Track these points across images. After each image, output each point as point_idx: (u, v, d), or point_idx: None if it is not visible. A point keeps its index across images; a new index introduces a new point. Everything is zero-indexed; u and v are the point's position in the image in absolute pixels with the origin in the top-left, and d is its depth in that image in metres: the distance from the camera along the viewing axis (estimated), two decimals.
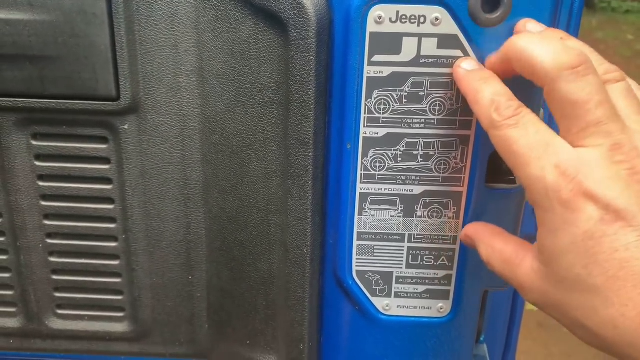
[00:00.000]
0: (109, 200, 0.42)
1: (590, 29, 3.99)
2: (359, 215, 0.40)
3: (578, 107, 0.29)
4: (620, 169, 0.28)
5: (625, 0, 4.49)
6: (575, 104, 0.29)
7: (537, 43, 0.30)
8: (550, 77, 0.29)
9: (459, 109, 0.36)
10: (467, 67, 0.34)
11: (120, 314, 0.46)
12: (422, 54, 0.35)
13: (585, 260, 0.28)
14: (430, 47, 0.35)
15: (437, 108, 0.37)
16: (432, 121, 0.37)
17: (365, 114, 0.37)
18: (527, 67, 0.30)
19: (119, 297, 0.45)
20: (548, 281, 0.30)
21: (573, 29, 0.40)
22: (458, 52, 0.35)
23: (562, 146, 0.29)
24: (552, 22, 0.34)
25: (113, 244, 0.43)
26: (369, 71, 0.36)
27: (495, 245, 0.34)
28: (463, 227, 0.39)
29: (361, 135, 0.38)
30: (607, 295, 0.28)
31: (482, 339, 0.47)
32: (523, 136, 0.30)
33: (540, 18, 0.34)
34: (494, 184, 0.39)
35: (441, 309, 0.42)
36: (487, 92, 0.32)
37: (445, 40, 0.35)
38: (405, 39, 0.35)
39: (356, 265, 0.41)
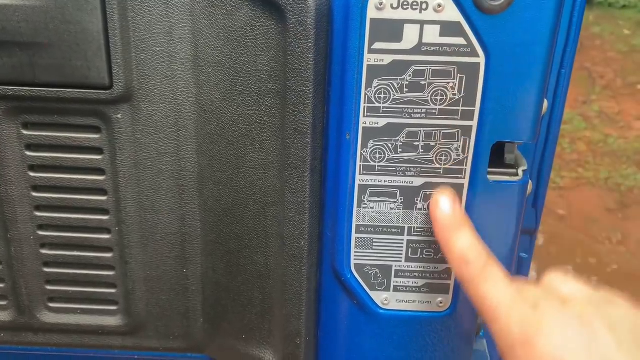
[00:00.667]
0: (101, 191, 0.41)
1: (587, 24, 3.98)
2: (357, 207, 0.39)
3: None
4: (571, 318, 0.31)
5: None
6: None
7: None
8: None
9: (461, 99, 0.36)
10: (443, 209, 0.36)
11: (114, 307, 0.45)
12: (424, 41, 0.34)
13: None
14: (432, 35, 0.34)
15: (438, 98, 0.36)
16: (434, 111, 0.36)
17: (365, 103, 0.36)
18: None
19: (112, 290, 0.44)
20: None
21: (576, 19, 0.39)
22: (461, 40, 0.34)
23: (525, 301, 0.32)
24: (557, 9, 0.33)
25: (106, 236, 0.42)
26: (369, 59, 0.35)
27: None
28: None
29: (361, 126, 0.37)
30: None
31: (481, 333, 0.46)
32: (492, 292, 0.33)
33: (545, 5, 0.33)
34: (495, 176, 0.38)
35: (441, 303, 0.41)
36: (458, 245, 0.35)
37: (448, 28, 0.34)
38: (406, 26, 0.34)
39: (354, 259, 0.40)
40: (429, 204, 0.38)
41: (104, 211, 0.42)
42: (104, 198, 0.41)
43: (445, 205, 0.36)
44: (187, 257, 0.43)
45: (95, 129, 0.39)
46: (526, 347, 0.30)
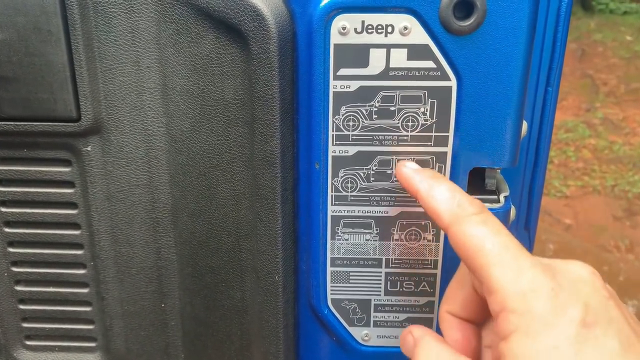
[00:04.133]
0: (74, 225, 0.40)
1: (589, 31, 3.96)
2: (331, 239, 0.37)
3: None
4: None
5: (623, 1, 4.45)
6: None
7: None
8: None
9: (433, 124, 0.34)
10: (413, 167, 0.33)
11: (92, 344, 0.44)
12: (391, 66, 0.33)
13: None
14: (399, 59, 0.32)
15: (410, 124, 0.34)
16: (406, 138, 0.34)
17: (333, 131, 0.35)
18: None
19: (90, 327, 0.43)
20: None
21: (561, 34, 0.38)
22: (430, 63, 0.32)
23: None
24: (531, 27, 0.32)
25: (81, 271, 0.41)
26: (335, 86, 0.33)
27: None
28: (444, 250, 0.37)
29: (330, 154, 0.35)
30: None
31: None
32: (496, 235, 0.28)
33: (517, 24, 0.31)
34: None
35: None
36: (444, 187, 0.30)
37: (416, 51, 0.32)
38: (372, 51, 0.32)
39: (331, 293, 0.39)
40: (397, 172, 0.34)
41: (77, 246, 0.41)
42: (77, 232, 0.40)
43: (414, 165, 0.33)
44: (165, 291, 0.42)
45: (65, 162, 0.38)
46: (543, 293, 0.26)
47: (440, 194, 0.30)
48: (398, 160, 0.35)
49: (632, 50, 3.71)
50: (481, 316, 0.32)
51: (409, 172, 0.32)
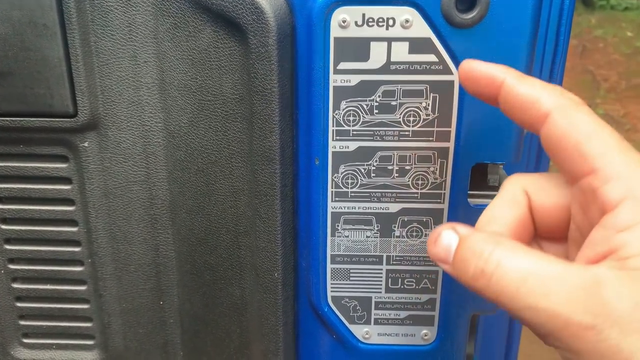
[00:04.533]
0: (72, 222, 0.40)
1: (590, 27, 3.94)
2: (331, 236, 0.37)
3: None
4: None
5: None
6: None
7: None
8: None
9: (435, 119, 0.33)
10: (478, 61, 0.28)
11: (90, 342, 0.43)
12: (392, 59, 0.32)
13: None
14: (401, 52, 0.32)
15: (411, 119, 0.33)
16: (407, 133, 0.34)
17: (333, 126, 0.34)
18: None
19: (88, 324, 0.43)
20: None
21: (564, 28, 0.37)
22: (432, 57, 0.32)
23: None
24: (535, 20, 0.31)
25: (79, 269, 0.41)
26: (335, 80, 0.33)
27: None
28: None
29: (330, 150, 0.35)
30: None
31: None
32: (607, 126, 0.25)
33: (520, 17, 0.31)
34: (477, 199, 0.35)
35: (425, 335, 0.39)
36: (536, 78, 0.27)
37: (417, 44, 0.32)
38: (373, 44, 0.32)
39: (331, 291, 0.38)
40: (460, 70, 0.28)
41: (75, 243, 0.40)
42: (74, 229, 0.40)
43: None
44: (163, 288, 0.41)
45: (62, 158, 0.38)
46: None
47: (536, 81, 0.27)
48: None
49: (633, 46, 3.70)
50: (525, 241, 0.29)
51: (487, 64, 0.28)
